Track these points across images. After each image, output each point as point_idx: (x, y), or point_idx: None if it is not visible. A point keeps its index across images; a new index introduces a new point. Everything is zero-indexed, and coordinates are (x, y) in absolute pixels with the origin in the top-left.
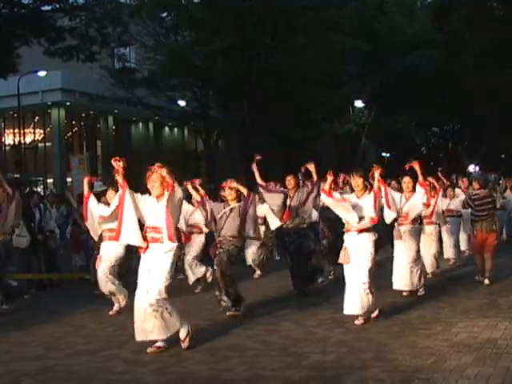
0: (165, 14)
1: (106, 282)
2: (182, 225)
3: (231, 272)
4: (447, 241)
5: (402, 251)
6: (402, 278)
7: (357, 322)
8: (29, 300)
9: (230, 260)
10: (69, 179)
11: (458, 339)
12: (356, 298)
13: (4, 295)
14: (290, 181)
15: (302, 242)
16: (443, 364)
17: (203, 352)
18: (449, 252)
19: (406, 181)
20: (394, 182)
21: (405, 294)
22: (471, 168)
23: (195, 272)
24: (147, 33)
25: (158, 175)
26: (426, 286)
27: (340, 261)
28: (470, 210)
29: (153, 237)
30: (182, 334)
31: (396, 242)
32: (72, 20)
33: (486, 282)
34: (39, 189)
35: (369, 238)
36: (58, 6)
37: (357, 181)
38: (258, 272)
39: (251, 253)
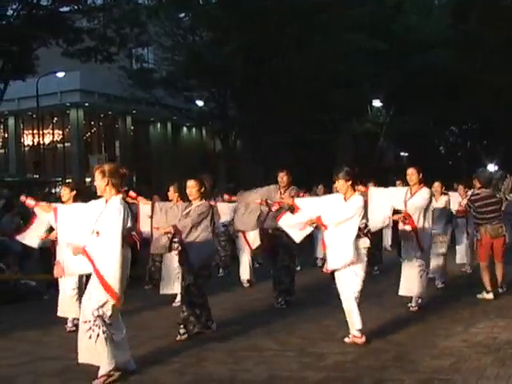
0: (182, 15)
1: None
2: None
3: None
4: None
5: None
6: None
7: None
8: (48, 300)
9: None
10: (88, 179)
11: (477, 340)
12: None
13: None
14: (282, 178)
15: (279, 252)
16: (463, 365)
17: (222, 352)
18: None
19: (409, 172)
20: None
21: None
22: (490, 167)
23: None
24: (165, 33)
25: None
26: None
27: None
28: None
29: None
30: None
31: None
32: (90, 21)
33: (500, 290)
34: (58, 190)
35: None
36: (76, 7)
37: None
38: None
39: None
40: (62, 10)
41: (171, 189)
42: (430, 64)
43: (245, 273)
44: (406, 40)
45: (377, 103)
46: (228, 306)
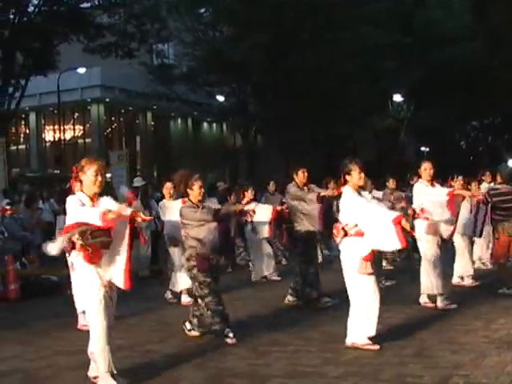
0: (203, 10)
1: None
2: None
3: None
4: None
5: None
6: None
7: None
8: (70, 295)
9: None
10: (108, 175)
11: (498, 335)
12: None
13: None
14: (303, 174)
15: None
16: (483, 360)
17: (244, 347)
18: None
19: (427, 167)
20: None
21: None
22: (511, 163)
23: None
24: (185, 29)
25: None
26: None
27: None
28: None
29: None
30: None
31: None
32: (111, 17)
33: None
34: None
35: None
36: (96, 2)
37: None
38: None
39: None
40: (82, 5)
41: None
42: (450, 59)
43: (266, 269)
44: (427, 35)
45: (398, 98)
46: (252, 301)
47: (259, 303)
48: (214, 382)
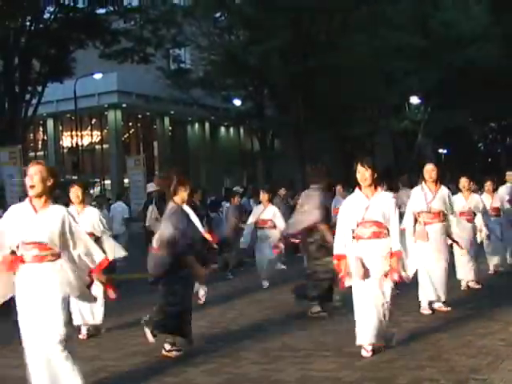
0: (218, 14)
1: None
2: None
3: None
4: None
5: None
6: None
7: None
8: None
9: None
10: (126, 180)
11: None
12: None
13: None
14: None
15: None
16: (500, 364)
17: (257, 352)
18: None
19: (429, 168)
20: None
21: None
22: None
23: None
24: (201, 33)
25: None
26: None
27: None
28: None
29: None
30: None
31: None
32: (126, 22)
33: None
34: (96, 190)
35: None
36: (112, 8)
37: (364, 173)
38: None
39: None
40: (98, 11)
41: None
42: (467, 60)
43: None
44: (444, 36)
45: (415, 100)
46: (265, 305)
47: (270, 307)
48: None
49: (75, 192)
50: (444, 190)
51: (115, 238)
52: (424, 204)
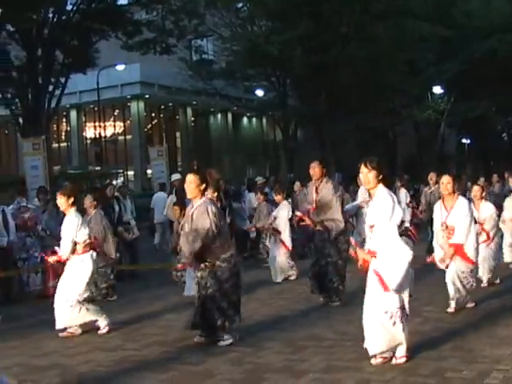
0: (240, 5)
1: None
2: None
3: None
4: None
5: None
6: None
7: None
8: None
9: None
10: (149, 171)
11: None
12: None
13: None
14: (314, 169)
15: (324, 247)
16: None
17: (280, 342)
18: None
19: (445, 181)
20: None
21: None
22: None
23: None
24: (223, 24)
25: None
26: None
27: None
28: None
29: None
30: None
31: None
32: (149, 13)
33: None
34: (119, 181)
35: None
36: None
37: (366, 175)
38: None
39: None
40: (120, 2)
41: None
42: (490, 50)
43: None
44: (467, 26)
45: (437, 90)
46: (288, 296)
47: (292, 298)
48: (251, 377)
49: (59, 201)
50: (460, 203)
51: (158, 226)
52: (439, 222)
